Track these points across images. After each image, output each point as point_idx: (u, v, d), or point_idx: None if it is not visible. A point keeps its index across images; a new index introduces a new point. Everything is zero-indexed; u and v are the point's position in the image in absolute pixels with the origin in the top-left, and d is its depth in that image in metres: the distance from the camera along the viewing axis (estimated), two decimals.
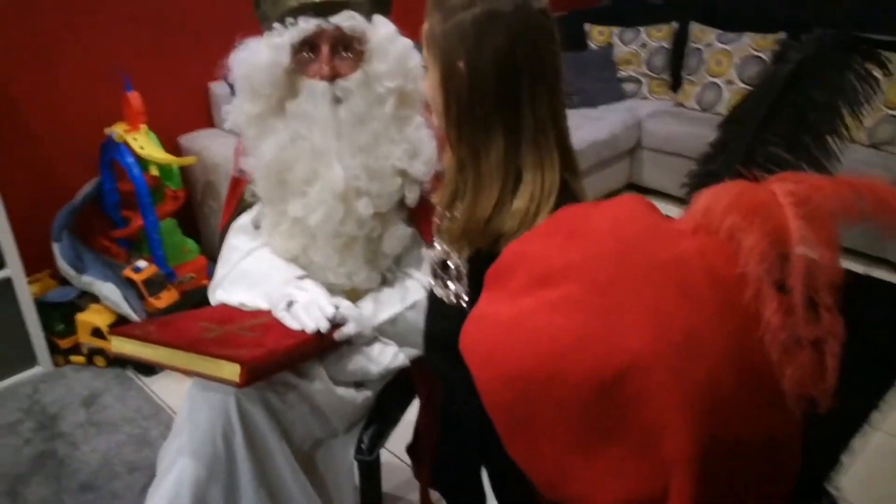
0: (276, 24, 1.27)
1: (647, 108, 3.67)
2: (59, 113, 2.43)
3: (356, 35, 1.27)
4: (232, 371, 1.05)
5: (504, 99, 0.91)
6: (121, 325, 2.34)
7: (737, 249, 0.55)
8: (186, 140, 2.70)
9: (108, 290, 2.34)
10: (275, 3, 1.27)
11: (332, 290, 1.37)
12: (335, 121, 1.28)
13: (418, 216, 1.40)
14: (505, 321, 0.59)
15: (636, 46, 3.77)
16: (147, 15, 2.51)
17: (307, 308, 1.25)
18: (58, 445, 2.06)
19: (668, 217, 0.65)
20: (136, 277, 2.38)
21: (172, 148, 2.66)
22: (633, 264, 0.57)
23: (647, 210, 0.64)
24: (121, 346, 1.13)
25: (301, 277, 1.34)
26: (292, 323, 1.24)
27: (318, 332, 1.22)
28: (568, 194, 0.95)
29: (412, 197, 1.37)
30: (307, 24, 1.24)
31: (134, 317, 2.35)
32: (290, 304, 1.27)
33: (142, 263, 2.43)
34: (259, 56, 1.26)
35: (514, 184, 0.94)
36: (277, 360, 1.13)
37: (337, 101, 1.28)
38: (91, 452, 2.03)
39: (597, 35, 3.80)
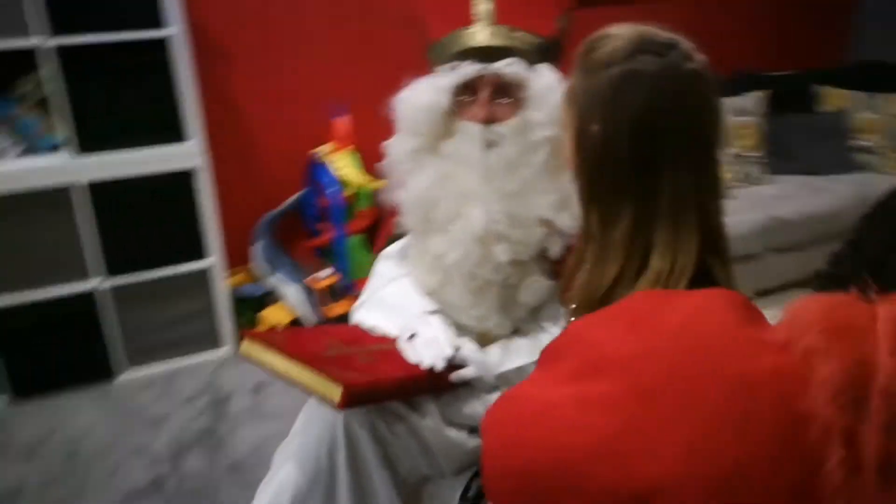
0: (441, 67, 1.31)
1: (882, 184, 3.24)
2: (279, 130, 2.71)
3: (516, 82, 1.28)
4: (333, 391, 1.08)
5: (638, 168, 0.84)
6: (296, 325, 2.55)
7: (810, 376, 0.46)
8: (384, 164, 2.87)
9: (292, 293, 2.55)
10: (442, 46, 1.32)
11: (464, 331, 1.37)
12: (485, 164, 1.29)
13: (562, 270, 1.36)
14: (536, 407, 0.54)
15: (878, 114, 3.36)
16: (363, 45, 2.73)
17: (428, 343, 1.26)
18: (221, 425, 2.26)
19: (761, 323, 0.55)
20: (317, 284, 2.57)
21: (373, 171, 2.84)
22: (689, 373, 0.49)
23: (736, 310, 0.55)
24: (248, 348, 1.22)
25: (433, 312, 1.35)
26: (410, 356, 1.26)
27: (432, 370, 1.22)
28: (707, 281, 0.85)
29: (555, 249, 1.33)
30: (469, 69, 1.27)
31: (309, 320, 2.53)
32: (412, 337, 1.29)
33: (325, 272, 2.62)
34: (421, 96, 1.31)
35: (641, 261, 0.86)
36: (382, 390, 1.15)
37: (490, 145, 1.29)
38: (247, 438, 2.20)
39: (830, 98, 3.45)
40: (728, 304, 0.56)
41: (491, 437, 0.57)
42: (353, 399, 1.10)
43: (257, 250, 2.65)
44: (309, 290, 2.57)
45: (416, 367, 1.22)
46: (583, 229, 0.92)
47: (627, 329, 0.56)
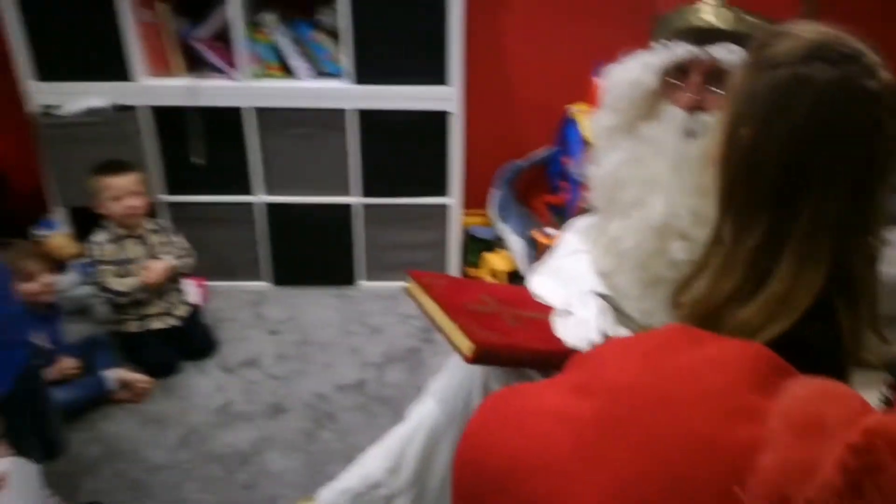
0: (656, 44, 1.24)
1: None
2: (538, 82, 2.76)
3: (733, 70, 1.16)
4: (465, 345, 1.14)
5: (782, 184, 0.76)
6: (514, 275, 2.64)
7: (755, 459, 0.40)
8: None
9: (515, 244, 2.63)
10: (664, 23, 1.25)
11: (628, 322, 1.34)
12: (679, 154, 1.21)
13: None
14: (525, 405, 0.54)
15: None
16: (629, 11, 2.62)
17: (578, 324, 1.26)
18: (426, 348, 2.47)
19: (772, 392, 0.47)
20: (542, 240, 2.61)
21: None
22: (661, 417, 0.45)
23: (753, 371, 0.48)
24: (410, 287, 1.32)
25: (598, 295, 1.33)
26: (558, 331, 1.26)
27: (573, 350, 1.22)
28: (828, 322, 0.75)
29: None
30: (683, 49, 1.19)
31: (527, 273, 2.60)
32: (568, 313, 1.29)
33: (553, 231, 2.65)
34: (627, 72, 1.26)
35: (758, 282, 0.78)
36: (513, 356, 1.18)
37: (690, 134, 1.21)
38: (440, 364, 2.38)
39: None
40: (746, 363, 0.49)
41: (476, 418, 0.58)
42: (481, 357, 1.15)
43: (494, 197, 2.76)
44: (533, 244, 2.63)
45: (558, 342, 1.23)
46: (713, 235, 0.86)
47: (638, 358, 0.53)
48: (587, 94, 2.62)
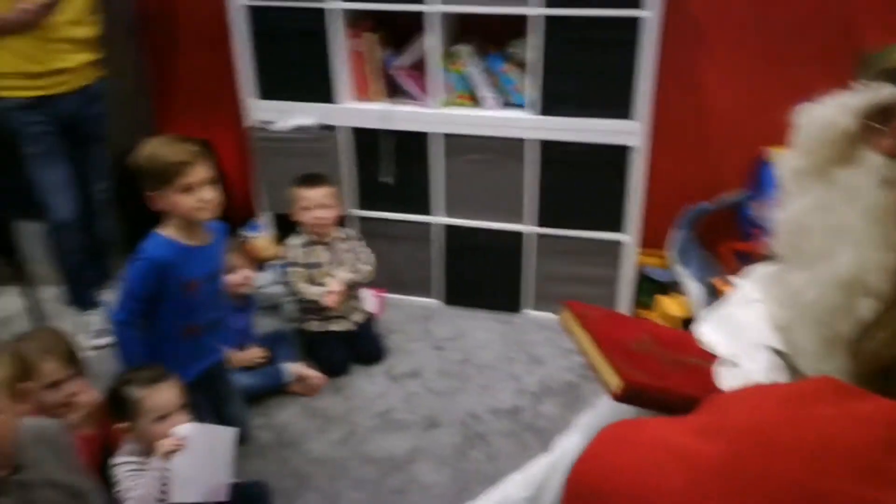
0: (858, 85, 1.15)
1: None
2: (732, 122, 2.62)
3: None
4: (613, 381, 1.12)
5: None
6: (688, 322, 2.51)
7: None
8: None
9: (693, 289, 2.51)
10: (870, 63, 1.15)
11: None
12: (875, 203, 1.10)
13: None
14: (644, 439, 0.52)
15: None
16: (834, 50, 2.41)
17: (744, 377, 1.18)
18: (586, 385, 2.42)
19: None
20: (724, 288, 2.46)
21: None
22: (785, 472, 0.42)
23: None
24: (564, 318, 1.31)
25: (770, 350, 1.24)
26: (722, 381, 1.19)
27: None
28: None
29: None
30: (887, 91, 1.08)
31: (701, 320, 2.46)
32: (733, 365, 1.22)
33: (738, 280, 2.49)
34: (822, 112, 1.18)
35: None
36: (663, 399, 1.13)
37: (890, 183, 1.10)
38: (602, 404, 2.31)
39: None
40: (892, 424, 0.44)
41: (596, 442, 0.57)
42: (629, 396, 1.11)
43: (675, 238, 2.66)
44: (713, 291, 2.48)
45: (718, 392, 1.16)
46: (893, 294, 0.78)
47: (774, 404, 0.49)
48: (788, 137, 2.46)
